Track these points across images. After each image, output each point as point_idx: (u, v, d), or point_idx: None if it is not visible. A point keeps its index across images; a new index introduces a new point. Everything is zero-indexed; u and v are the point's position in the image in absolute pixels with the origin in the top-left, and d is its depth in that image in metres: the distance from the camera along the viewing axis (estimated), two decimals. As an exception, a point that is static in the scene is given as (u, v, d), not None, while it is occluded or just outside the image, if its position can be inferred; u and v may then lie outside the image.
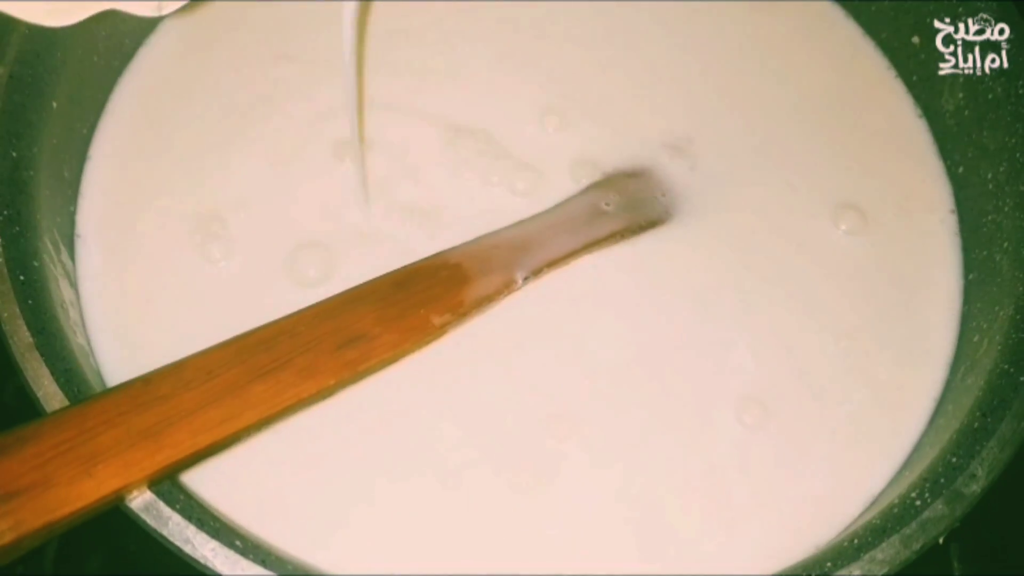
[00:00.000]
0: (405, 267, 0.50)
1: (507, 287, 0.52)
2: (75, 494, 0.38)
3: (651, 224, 0.55)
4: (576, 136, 0.58)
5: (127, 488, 0.40)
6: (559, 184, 0.56)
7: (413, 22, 0.61)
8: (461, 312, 0.50)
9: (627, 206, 0.56)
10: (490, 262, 0.52)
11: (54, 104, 0.52)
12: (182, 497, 0.42)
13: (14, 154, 0.49)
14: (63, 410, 0.41)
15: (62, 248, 0.52)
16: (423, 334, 0.49)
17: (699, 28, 0.62)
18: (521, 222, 0.54)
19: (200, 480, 0.47)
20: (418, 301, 0.49)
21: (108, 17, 0.56)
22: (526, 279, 0.52)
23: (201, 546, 0.41)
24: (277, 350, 0.45)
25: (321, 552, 0.46)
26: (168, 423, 0.41)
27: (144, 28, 0.60)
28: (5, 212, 0.47)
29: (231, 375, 0.44)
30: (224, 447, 0.45)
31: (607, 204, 0.55)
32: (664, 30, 0.62)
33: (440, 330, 0.50)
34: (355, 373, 0.46)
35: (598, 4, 0.62)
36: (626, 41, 0.61)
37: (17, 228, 0.47)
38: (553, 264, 0.53)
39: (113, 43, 0.57)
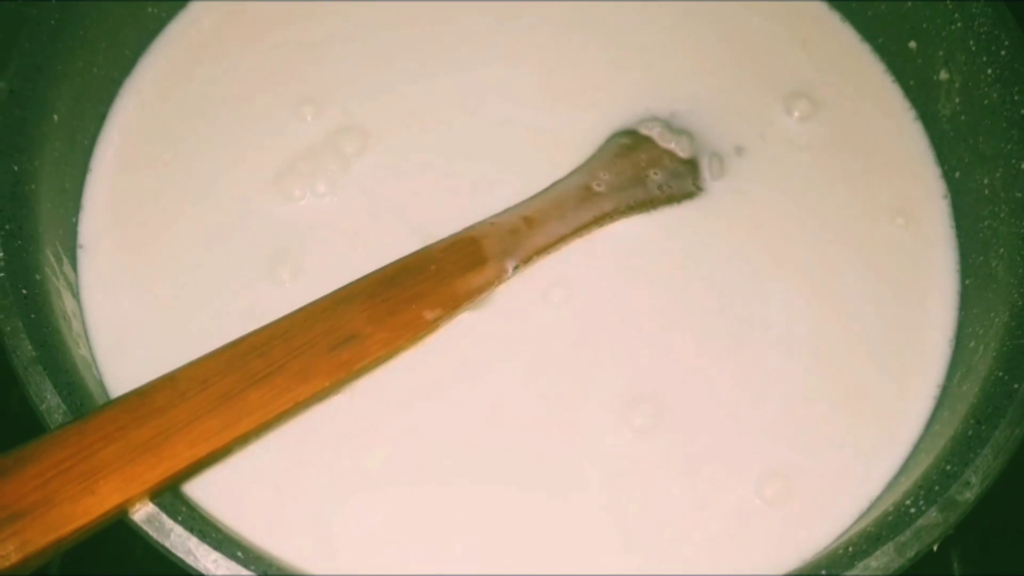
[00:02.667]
0: (393, 263, 0.50)
1: (498, 277, 0.52)
2: (79, 511, 0.39)
3: (643, 204, 0.56)
4: (560, 119, 0.58)
5: (129, 502, 0.41)
6: (541, 167, 0.56)
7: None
8: (453, 305, 0.50)
9: (618, 186, 0.56)
10: (479, 253, 0.52)
11: (55, 117, 0.53)
12: (184, 509, 0.43)
13: (15, 168, 0.49)
14: (62, 428, 0.42)
15: (64, 259, 0.52)
16: (416, 330, 0.49)
17: (693, 28, 0.62)
18: (509, 209, 0.54)
19: (203, 490, 0.47)
20: (409, 297, 0.49)
21: (108, 28, 0.56)
22: (516, 268, 0.52)
23: (203, 558, 0.41)
24: (271, 355, 0.45)
25: (324, 561, 0.47)
26: (166, 435, 0.42)
27: (144, 38, 0.60)
28: (7, 226, 0.48)
29: (226, 383, 0.44)
30: (224, 455, 0.46)
31: (598, 185, 0.55)
32: (659, 26, 0.62)
33: (433, 325, 0.50)
34: (350, 373, 0.47)
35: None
36: (616, 30, 0.62)
37: (19, 242, 0.48)
38: (543, 250, 0.53)
39: (113, 54, 0.58)
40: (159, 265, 0.54)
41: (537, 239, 0.53)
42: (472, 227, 0.53)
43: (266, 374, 0.45)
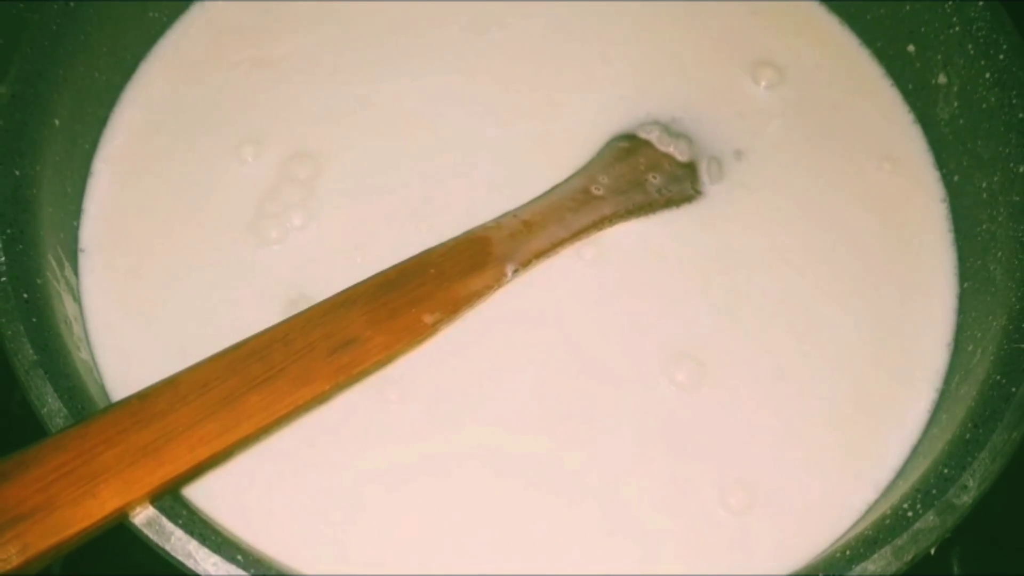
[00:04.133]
0: (393, 267, 0.50)
1: (497, 281, 0.52)
2: (79, 514, 0.39)
3: (642, 208, 0.56)
4: (556, 123, 0.58)
5: (130, 506, 0.41)
6: (538, 171, 0.56)
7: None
8: (452, 309, 0.50)
9: (618, 189, 0.56)
10: (479, 256, 0.52)
11: (56, 121, 0.53)
12: (184, 512, 0.43)
13: (17, 172, 0.50)
14: (63, 431, 0.42)
15: (65, 263, 0.52)
16: (415, 334, 0.49)
17: (694, 31, 0.62)
18: (508, 213, 0.54)
19: (203, 494, 0.47)
20: (408, 301, 0.49)
21: (109, 32, 0.57)
22: (515, 272, 0.52)
23: (203, 561, 0.41)
24: (271, 359, 0.46)
25: (324, 564, 0.47)
26: (167, 439, 0.42)
27: (145, 42, 0.60)
28: (9, 231, 0.48)
29: (226, 387, 0.44)
30: (224, 459, 0.46)
31: (597, 188, 0.55)
32: (656, 29, 0.62)
33: (432, 329, 0.50)
34: (349, 377, 0.47)
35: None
36: (615, 38, 0.62)
37: (21, 246, 0.48)
38: (543, 254, 0.53)
39: (114, 59, 0.58)
40: (160, 269, 0.54)
41: (536, 243, 0.53)
42: (471, 231, 0.53)
43: (266, 378, 0.45)
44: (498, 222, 0.54)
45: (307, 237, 0.55)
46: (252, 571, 0.41)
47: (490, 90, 0.59)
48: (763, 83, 0.60)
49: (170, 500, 0.43)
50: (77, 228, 0.55)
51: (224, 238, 0.55)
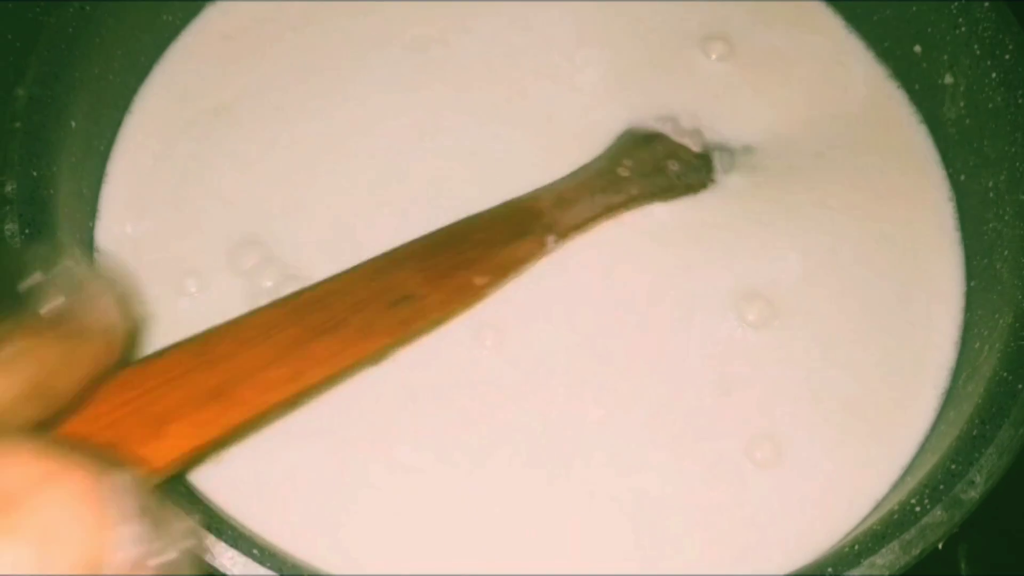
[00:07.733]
0: (439, 230, 0.50)
1: (540, 250, 0.52)
2: (148, 454, 0.35)
3: (665, 192, 0.57)
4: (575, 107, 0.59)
5: (200, 448, 0.38)
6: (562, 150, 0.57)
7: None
8: (501, 274, 0.51)
9: (642, 172, 0.57)
10: (522, 224, 0.52)
11: (72, 123, 0.53)
12: (200, 506, 0.43)
13: (35, 174, 0.50)
14: (121, 370, 0.36)
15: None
16: (468, 294, 0.49)
17: (698, 32, 0.63)
18: (541, 188, 0.55)
19: (218, 487, 0.48)
20: (458, 263, 0.49)
21: (123, 35, 0.57)
22: (555, 242, 0.53)
23: (219, 555, 0.42)
24: (331, 309, 0.44)
25: (341, 558, 0.47)
26: (235, 381, 0.39)
27: (159, 45, 0.61)
28: (27, 231, 0.48)
29: (289, 334, 0.42)
30: (289, 409, 0.45)
31: (624, 170, 0.56)
32: (661, 29, 0.63)
33: (482, 291, 0.50)
34: (408, 332, 0.46)
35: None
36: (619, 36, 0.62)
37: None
38: (579, 228, 0.54)
39: (128, 61, 0.58)
40: (175, 270, 0.54)
41: (572, 216, 0.54)
42: (510, 201, 0.53)
43: (329, 327, 0.43)
44: (535, 195, 0.54)
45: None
46: (268, 565, 0.42)
47: (455, 102, 0.59)
48: (763, 82, 0.61)
49: (186, 494, 0.43)
50: (93, 229, 0.55)
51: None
